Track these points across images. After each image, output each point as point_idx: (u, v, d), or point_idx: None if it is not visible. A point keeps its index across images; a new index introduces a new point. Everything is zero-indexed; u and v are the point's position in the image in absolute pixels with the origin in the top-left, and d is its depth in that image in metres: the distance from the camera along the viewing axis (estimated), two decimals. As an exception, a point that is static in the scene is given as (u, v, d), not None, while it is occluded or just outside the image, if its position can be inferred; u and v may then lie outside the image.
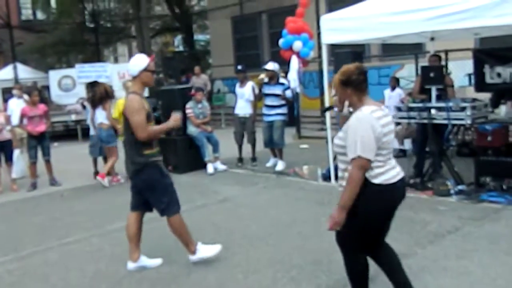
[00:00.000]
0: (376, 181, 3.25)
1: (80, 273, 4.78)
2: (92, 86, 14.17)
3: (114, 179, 8.65)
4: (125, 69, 16.54)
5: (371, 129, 3.17)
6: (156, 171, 4.55)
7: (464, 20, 5.84)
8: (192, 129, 9.06)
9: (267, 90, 8.82)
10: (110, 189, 8.32)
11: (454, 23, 5.93)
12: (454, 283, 3.96)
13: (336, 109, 3.75)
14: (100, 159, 9.22)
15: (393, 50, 12.64)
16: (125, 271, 4.70)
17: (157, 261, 4.83)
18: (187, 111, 8.96)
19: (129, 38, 26.09)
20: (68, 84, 16.46)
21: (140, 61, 4.55)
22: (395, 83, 10.18)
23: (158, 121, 8.85)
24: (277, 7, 15.56)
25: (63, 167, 9.70)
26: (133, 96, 4.49)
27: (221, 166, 9.10)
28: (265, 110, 8.90)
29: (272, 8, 16.12)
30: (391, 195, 3.37)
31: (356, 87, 3.33)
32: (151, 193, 4.58)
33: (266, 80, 8.85)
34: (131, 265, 4.73)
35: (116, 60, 31.35)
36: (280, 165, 8.71)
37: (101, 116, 8.55)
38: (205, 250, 4.73)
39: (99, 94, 8.59)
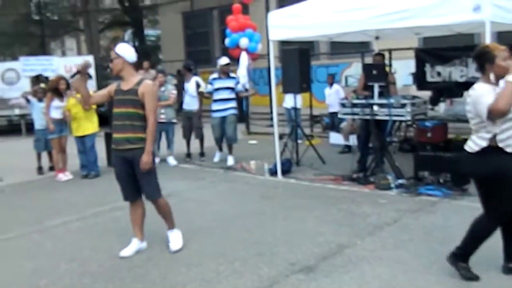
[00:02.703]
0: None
1: (19, 269, 4.64)
2: (37, 79, 13.87)
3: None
4: (72, 63, 16.18)
5: None
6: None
7: (405, 19, 6.04)
8: None
9: (219, 84, 8.73)
10: (52, 184, 8.13)
11: (396, 22, 6.13)
12: (390, 271, 4.10)
13: None
14: (44, 154, 9.00)
15: (341, 48, 12.90)
16: (67, 266, 4.62)
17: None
18: None
19: (77, 31, 25.44)
20: (12, 77, 15.87)
21: None
22: (332, 80, 10.55)
23: (104, 117, 8.81)
24: (228, 4, 15.56)
25: (6, 163, 9.41)
26: None
27: (172, 162, 9.06)
28: (216, 105, 8.78)
29: (223, 5, 16.07)
30: None
31: None
32: None
33: (216, 75, 8.83)
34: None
35: (64, 54, 30.53)
36: (231, 160, 8.75)
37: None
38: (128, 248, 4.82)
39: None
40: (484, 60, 3.74)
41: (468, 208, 5.62)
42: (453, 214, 5.44)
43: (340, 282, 3.97)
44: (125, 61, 4.64)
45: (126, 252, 4.76)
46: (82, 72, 4.78)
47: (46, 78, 14.18)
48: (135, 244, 4.83)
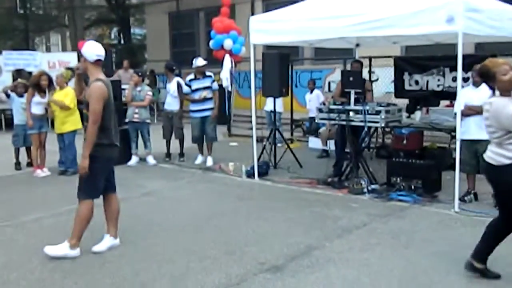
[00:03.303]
0: None
1: (-9, 262, 4.71)
2: (18, 73, 13.79)
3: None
4: (56, 59, 16.17)
5: None
6: None
7: (381, 28, 6.21)
8: (128, 113, 9.04)
9: (197, 84, 8.86)
10: (30, 180, 8.17)
11: (372, 30, 6.30)
12: (354, 273, 4.25)
13: None
14: (22, 150, 9.02)
15: (325, 54, 13.07)
16: (38, 261, 4.67)
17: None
18: (125, 92, 9.13)
19: (63, 27, 25.33)
20: (-7, 71, 15.81)
21: None
22: (313, 85, 10.75)
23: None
24: (214, 6, 15.68)
25: (-17, 157, 9.39)
26: None
27: (151, 161, 9.13)
28: (196, 106, 8.91)
29: (209, 6, 16.17)
30: None
31: None
32: None
33: (192, 76, 8.96)
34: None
35: (48, 49, 30.37)
36: (210, 161, 8.88)
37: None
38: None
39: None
40: (486, 78, 3.86)
41: (436, 214, 5.84)
42: (421, 220, 5.61)
43: (306, 282, 4.10)
44: (86, 60, 4.62)
45: (99, 247, 4.84)
46: (76, 72, 4.83)
47: (30, 73, 14.13)
48: (108, 240, 4.90)
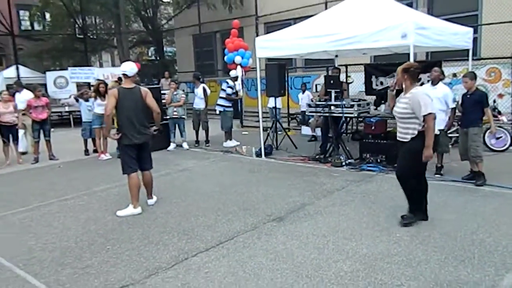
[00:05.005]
0: None
1: (75, 219, 5.08)
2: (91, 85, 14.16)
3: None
4: (108, 72, 16.50)
5: (428, 97, 4.13)
6: None
7: (353, 43, 6.46)
8: (168, 111, 9.41)
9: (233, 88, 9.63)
10: (96, 162, 8.52)
11: (346, 45, 6.55)
12: (336, 220, 4.59)
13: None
14: (89, 140, 9.38)
15: (313, 63, 13.32)
16: (110, 217, 5.05)
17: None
18: (164, 96, 9.54)
19: (112, 47, 25.58)
20: (62, 82, 16.17)
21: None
22: (305, 87, 11.05)
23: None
24: (228, 28, 15.92)
25: (60, 147, 9.73)
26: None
27: (185, 146, 9.49)
28: (231, 103, 9.60)
29: (224, 29, 16.38)
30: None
31: (411, 75, 4.12)
32: None
33: (232, 83, 9.72)
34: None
35: (101, 65, 30.60)
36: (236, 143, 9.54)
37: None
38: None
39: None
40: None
41: (395, 179, 6.11)
42: (384, 183, 5.93)
43: (301, 227, 4.45)
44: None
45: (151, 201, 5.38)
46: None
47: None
48: (149, 201, 5.44)
